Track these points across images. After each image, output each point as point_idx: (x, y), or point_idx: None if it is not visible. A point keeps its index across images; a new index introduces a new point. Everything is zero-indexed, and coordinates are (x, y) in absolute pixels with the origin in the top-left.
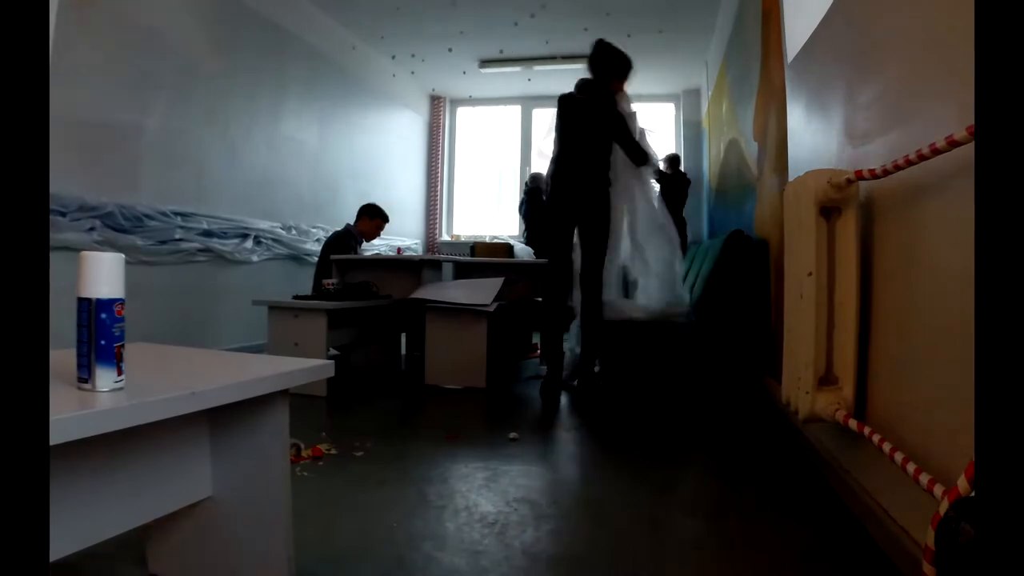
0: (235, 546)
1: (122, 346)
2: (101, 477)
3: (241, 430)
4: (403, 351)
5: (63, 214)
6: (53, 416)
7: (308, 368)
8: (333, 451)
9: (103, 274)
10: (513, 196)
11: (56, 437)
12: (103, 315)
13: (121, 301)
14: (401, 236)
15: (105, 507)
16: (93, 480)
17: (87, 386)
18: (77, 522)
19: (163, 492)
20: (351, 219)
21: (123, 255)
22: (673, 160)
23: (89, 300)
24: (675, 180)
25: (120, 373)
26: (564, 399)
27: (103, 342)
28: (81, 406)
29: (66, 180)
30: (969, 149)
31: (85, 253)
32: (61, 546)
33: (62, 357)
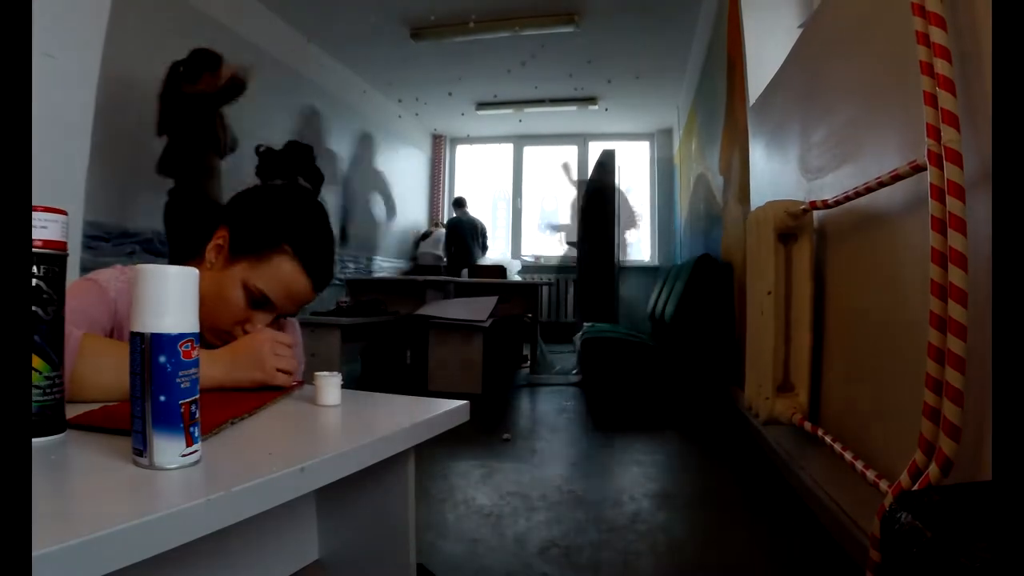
0: None
1: (193, 403)
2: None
3: (357, 486)
4: (408, 361)
5: (107, 239)
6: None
7: (444, 413)
8: None
9: (164, 297)
10: (506, 224)
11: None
12: (161, 358)
13: (192, 337)
14: (405, 259)
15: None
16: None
17: (143, 461)
18: None
19: (259, 558)
20: (364, 245)
21: (196, 270)
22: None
23: (142, 336)
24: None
25: (191, 442)
26: (550, 404)
27: (162, 398)
28: (110, 500)
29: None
30: (911, 181)
31: (140, 267)
32: None
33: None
